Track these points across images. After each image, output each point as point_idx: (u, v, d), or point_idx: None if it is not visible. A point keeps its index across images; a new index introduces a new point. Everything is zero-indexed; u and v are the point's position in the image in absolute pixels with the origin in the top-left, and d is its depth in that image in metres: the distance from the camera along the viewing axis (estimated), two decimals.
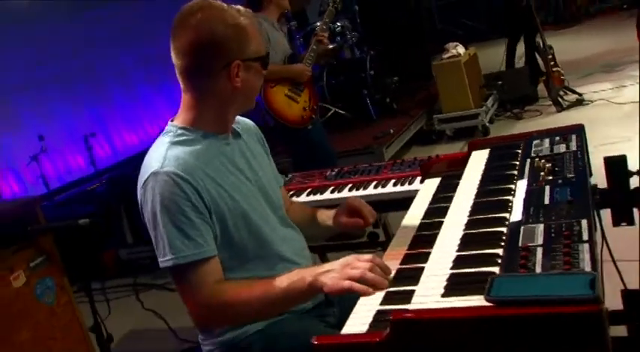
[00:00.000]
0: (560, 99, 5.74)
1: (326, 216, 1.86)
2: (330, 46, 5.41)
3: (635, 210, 1.67)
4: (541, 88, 6.12)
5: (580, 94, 5.84)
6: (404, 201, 2.39)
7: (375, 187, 2.50)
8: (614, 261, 1.61)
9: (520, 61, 6.66)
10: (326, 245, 3.01)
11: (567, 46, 8.11)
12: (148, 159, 1.55)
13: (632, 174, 1.69)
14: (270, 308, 1.50)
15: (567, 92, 5.83)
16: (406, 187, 2.43)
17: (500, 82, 5.88)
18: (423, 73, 7.13)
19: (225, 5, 1.54)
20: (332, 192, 2.57)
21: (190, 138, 1.56)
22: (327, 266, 1.39)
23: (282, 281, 1.42)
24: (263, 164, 1.76)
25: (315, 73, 5.65)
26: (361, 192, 2.49)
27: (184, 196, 1.46)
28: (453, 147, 5.48)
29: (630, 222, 1.70)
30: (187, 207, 1.46)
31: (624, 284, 1.64)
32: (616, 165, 1.66)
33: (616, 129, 4.78)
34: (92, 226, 2.18)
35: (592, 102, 5.76)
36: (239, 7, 1.58)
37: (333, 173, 2.74)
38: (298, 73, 3.76)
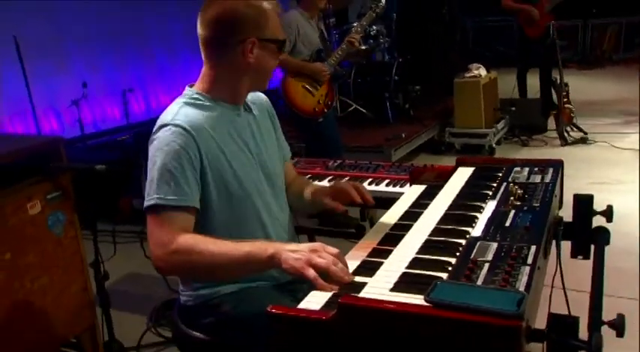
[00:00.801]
0: (566, 134, 5.72)
1: (309, 191, 1.85)
2: (363, 48, 5.41)
3: (592, 247, 1.70)
4: (551, 121, 6.09)
5: (585, 133, 5.81)
6: (393, 201, 2.44)
7: (370, 184, 2.54)
8: (564, 288, 1.64)
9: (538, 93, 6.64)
10: (316, 228, 3.07)
11: (585, 86, 8.04)
12: (162, 115, 1.59)
13: (596, 213, 1.72)
14: (225, 268, 1.45)
15: (574, 129, 5.80)
16: (397, 189, 2.47)
17: (513, 108, 5.86)
18: (445, 87, 7.11)
19: None
20: (330, 181, 2.62)
21: (203, 102, 1.61)
22: (293, 245, 1.39)
23: (245, 245, 1.42)
24: (268, 139, 1.77)
25: (345, 68, 5.67)
26: None
27: (185, 147, 1.49)
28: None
29: (586, 256, 1.73)
30: (184, 158, 1.49)
31: (569, 310, 1.68)
32: (583, 203, 1.69)
33: (611, 171, 4.76)
34: (108, 173, 2.25)
35: (595, 142, 5.74)
36: None
37: (335, 164, 2.79)
38: (316, 72, 3.77)
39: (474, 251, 1.30)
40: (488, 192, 1.70)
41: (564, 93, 5.67)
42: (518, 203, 1.56)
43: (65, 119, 5.61)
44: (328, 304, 1.26)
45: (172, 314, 1.83)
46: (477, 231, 1.42)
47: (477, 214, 1.54)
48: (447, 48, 7.18)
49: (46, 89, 5.34)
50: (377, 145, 4.96)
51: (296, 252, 1.35)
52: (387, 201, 2.40)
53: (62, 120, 5.63)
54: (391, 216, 1.76)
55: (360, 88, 5.87)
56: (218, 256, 1.42)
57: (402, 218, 1.71)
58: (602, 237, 1.68)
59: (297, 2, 3.83)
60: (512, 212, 1.50)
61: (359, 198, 1.75)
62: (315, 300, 1.29)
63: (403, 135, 5.15)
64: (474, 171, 1.91)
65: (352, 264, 1.44)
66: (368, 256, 1.48)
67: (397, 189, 2.47)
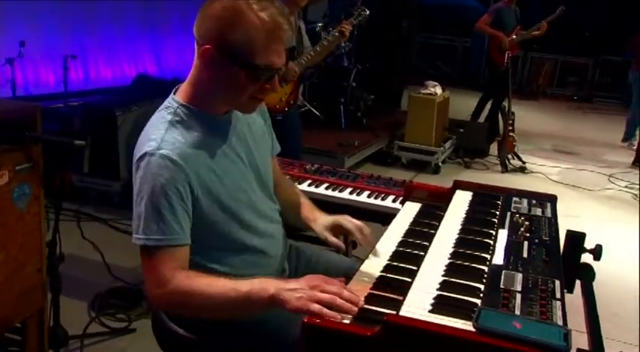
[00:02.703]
0: (507, 162, 6.02)
1: (312, 217, 1.82)
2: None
3: (578, 282, 1.82)
4: (493, 146, 6.41)
5: (524, 162, 6.15)
6: (372, 213, 2.50)
7: (351, 193, 2.58)
8: None
9: (481, 117, 6.96)
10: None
11: (521, 116, 8.50)
12: (146, 134, 1.48)
13: (585, 250, 1.84)
14: (226, 309, 1.42)
15: (514, 157, 6.12)
16: (379, 202, 2.53)
17: (461, 130, 6.10)
18: (394, 100, 7.32)
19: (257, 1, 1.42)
20: (309, 185, 2.63)
21: (189, 118, 1.50)
22: (292, 283, 1.35)
23: (244, 285, 1.37)
24: (260, 139, 1.71)
25: (311, 70, 5.66)
26: (337, 194, 2.58)
27: (172, 181, 1.40)
28: (403, 175, 5.61)
29: (570, 290, 1.84)
30: (172, 193, 1.40)
31: None
32: (575, 240, 1.80)
33: None
34: (83, 148, 2.16)
35: (532, 172, 6.08)
36: (275, 10, 1.43)
37: (313, 168, 2.80)
38: (285, 70, 3.72)
39: (502, 279, 1.36)
40: (494, 219, 1.77)
41: (510, 122, 5.96)
42: (528, 234, 1.64)
43: None
44: (358, 318, 1.28)
45: (157, 312, 1.77)
46: (497, 259, 1.48)
47: (490, 241, 1.61)
48: (401, 61, 7.36)
49: None
50: (330, 150, 5.01)
51: (297, 291, 1.32)
52: (368, 213, 2.46)
53: None
54: (394, 232, 1.79)
55: (316, 89, 5.90)
56: (217, 298, 1.38)
57: (407, 235, 1.75)
58: (588, 273, 1.80)
59: None
60: (526, 243, 1.58)
61: (362, 241, 1.69)
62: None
63: (356, 143, 5.23)
64: (473, 196, 1.99)
65: (371, 275, 1.48)
66: (384, 272, 1.52)
67: (379, 201, 2.53)
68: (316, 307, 1.27)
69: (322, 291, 1.31)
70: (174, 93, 1.56)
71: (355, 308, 1.29)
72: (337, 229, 1.76)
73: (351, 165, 5.06)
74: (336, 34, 3.90)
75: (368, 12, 3.95)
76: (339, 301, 1.29)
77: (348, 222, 1.74)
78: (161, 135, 1.45)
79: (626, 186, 5.84)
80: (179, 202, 1.42)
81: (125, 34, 6.63)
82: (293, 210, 1.88)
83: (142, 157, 1.43)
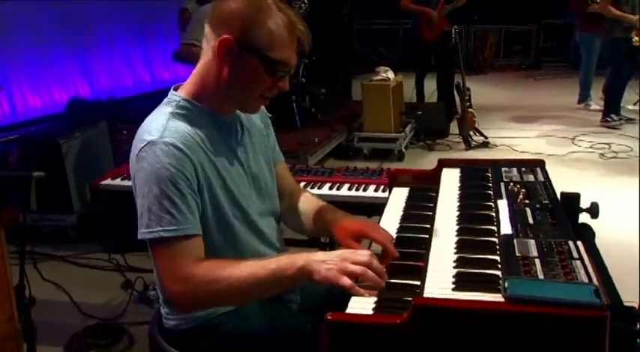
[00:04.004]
0: (469, 139, 6.15)
1: (331, 219, 1.72)
2: None
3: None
4: (452, 125, 6.54)
5: (486, 137, 6.30)
6: (356, 206, 2.53)
7: (330, 189, 2.60)
8: None
9: (431, 97, 7.10)
10: None
11: (474, 92, 8.71)
12: (146, 126, 1.49)
13: (582, 210, 1.91)
14: (254, 291, 1.43)
15: (476, 133, 6.27)
16: (360, 193, 2.56)
17: (420, 112, 6.20)
18: (344, 91, 7.37)
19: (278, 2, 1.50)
20: None
21: (192, 112, 1.53)
22: (320, 254, 1.39)
23: (270, 263, 1.40)
24: (259, 144, 1.72)
25: None
26: (316, 191, 2.59)
27: (181, 169, 1.42)
28: (367, 166, 5.66)
29: None
30: (182, 180, 1.42)
31: None
32: (570, 200, 1.86)
33: None
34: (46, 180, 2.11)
35: (496, 146, 6.24)
36: (292, 12, 1.52)
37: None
38: None
39: (516, 248, 1.40)
40: (489, 191, 1.82)
41: (467, 98, 6.10)
42: (528, 201, 1.69)
43: None
44: (380, 308, 1.30)
45: (155, 339, 1.73)
46: (505, 228, 1.52)
47: (492, 213, 1.65)
48: (346, 50, 7.43)
49: None
50: (292, 150, 5.00)
51: (327, 262, 1.36)
52: (350, 206, 2.48)
53: None
54: (390, 219, 1.82)
55: None
56: (245, 280, 1.40)
57: (405, 220, 1.78)
58: (588, 233, 1.87)
59: None
60: (528, 210, 1.62)
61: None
62: (361, 306, 1.32)
63: (316, 140, 5.26)
64: (461, 172, 2.03)
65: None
66: (393, 259, 1.53)
67: (360, 193, 2.57)
68: (347, 282, 1.32)
69: (354, 263, 1.36)
70: (174, 90, 1.58)
71: (382, 283, 1.36)
72: (357, 235, 1.63)
73: (314, 162, 5.08)
74: None
75: (308, 3, 3.98)
76: (370, 274, 1.34)
77: (378, 232, 1.59)
78: (163, 124, 1.47)
79: (590, 147, 6.07)
80: (189, 190, 1.43)
81: (49, 58, 6.44)
82: (307, 220, 1.81)
83: (144, 147, 1.43)
